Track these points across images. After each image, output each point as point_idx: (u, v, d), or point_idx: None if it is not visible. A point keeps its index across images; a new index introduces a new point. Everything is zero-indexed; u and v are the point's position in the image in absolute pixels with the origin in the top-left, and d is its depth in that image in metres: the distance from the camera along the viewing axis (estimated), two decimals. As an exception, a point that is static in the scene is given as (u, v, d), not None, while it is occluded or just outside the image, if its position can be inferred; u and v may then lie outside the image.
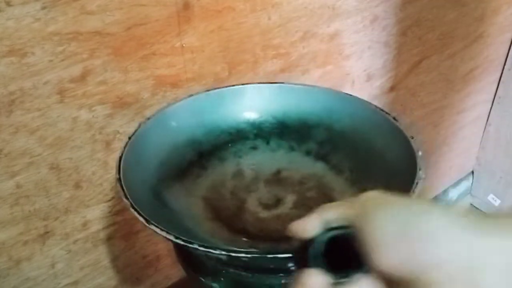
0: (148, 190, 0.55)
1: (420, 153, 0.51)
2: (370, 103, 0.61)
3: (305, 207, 0.57)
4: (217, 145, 0.65)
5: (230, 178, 0.63)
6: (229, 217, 0.58)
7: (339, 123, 0.62)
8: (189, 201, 0.59)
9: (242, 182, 0.62)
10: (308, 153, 0.64)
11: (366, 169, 0.58)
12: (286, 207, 0.57)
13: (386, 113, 0.58)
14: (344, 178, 0.60)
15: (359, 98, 0.63)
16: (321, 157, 0.63)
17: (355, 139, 0.61)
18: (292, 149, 0.65)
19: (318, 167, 0.62)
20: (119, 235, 0.73)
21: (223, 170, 0.63)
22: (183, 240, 0.42)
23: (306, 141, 0.64)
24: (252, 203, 0.59)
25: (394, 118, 0.57)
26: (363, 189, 0.54)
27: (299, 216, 0.54)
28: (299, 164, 0.63)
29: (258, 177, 0.63)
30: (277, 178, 0.62)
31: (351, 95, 0.65)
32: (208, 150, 0.64)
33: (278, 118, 0.66)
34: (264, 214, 0.57)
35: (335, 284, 0.29)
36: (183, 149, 0.62)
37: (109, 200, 0.69)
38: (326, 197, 0.57)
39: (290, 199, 0.58)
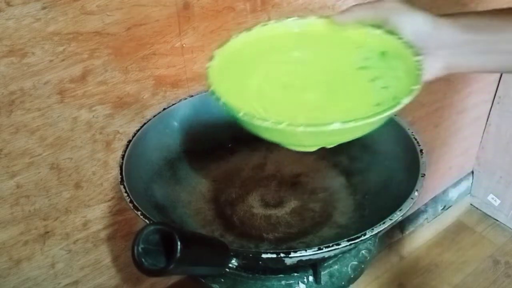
0: (164, 160, 0.58)
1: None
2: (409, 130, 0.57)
3: (299, 217, 0.57)
4: (254, 136, 0.66)
5: (249, 169, 0.63)
6: (224, 203, 0.58)
7: (377, 144, 0.60)
8: (199, 178, 0.61)
9: (258, 175, 0.63)
10: (335, 165, 0.63)
11: (378, 198, 0.56)
12: (282, 211, 0.58)
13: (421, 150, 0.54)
14: (355, 200, 0.59)
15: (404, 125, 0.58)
16: (345, 172, 0.62)
17: (384, 164, 0.58)
18: (323, 157, 0.64)
19: (337, 182, 0.61)
20: (119, 234, 0.73)
21: (247, 160, 0.64)
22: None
23: (340, 153, 0.63)
24: (254, 197, 0.59)
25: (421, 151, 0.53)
26: (361, 216, 0.55)
27: (288, 223, 0.55)
28: (321, 173, 0.63)
29: (275, 175, 0.63)
30: (292, 181, 0.62)
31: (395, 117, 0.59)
32: (243, 138, 0.63)
33: None
34: (258, 210, 0.58)
35: None
36: (220, 131, 0.63)
37: (110, 200, 0.69)
38: (324, 213, 0.57)
39: (291, 205, 0.58)
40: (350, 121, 0.36)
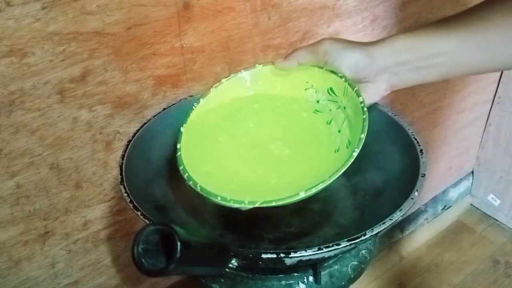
0: (164, 160, 0.58)
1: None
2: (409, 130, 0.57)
3: (299, 217, 0.57)
4: None
5: None
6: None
7: (377, 144, 0.59)
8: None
9: None
10: None
11: (378, 198, 0.56)
12: (282, 211, 0.57)
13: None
14: (355, 200, 0.58)
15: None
16: (345, 172, 0.61)
17: (384, 164, 0.58)
18: None
19: (337, 182, 0.60)
20: (119, 234, 0.74)
21: None
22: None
23: None
24: None
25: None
26: (361, 216, 0.55)
27: (288, 223, 0.55)
28: None
29: None
30: None
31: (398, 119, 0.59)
32: None
33: None
34: (258, 210, 0.57)
35: None
36: None
37: (109, 200, 0.69)
38: (324, 213, 0.57)
39: (291, 204, 0.58)
40: (312, 187, 0.41)
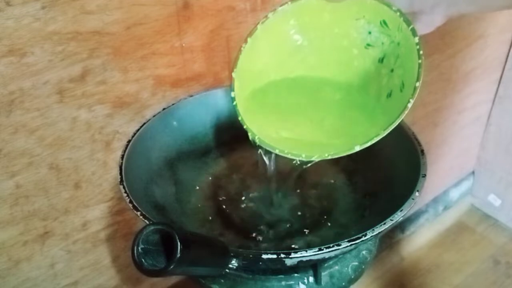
0: (163, 159, 0.58)
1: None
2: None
3: (299, 215, 0.56)
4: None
5: (249, 165, 0.63)
6: (224, 201, 0.58)
7: (378, 144, 0.58)
8: (198, 177, 0.61)
9: (257, 171, 0.62)
10: (336, 162, 0.63)
11: (379, 198, 0.56)
12: (282, 209, 0.57)
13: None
14: (355, 199, 0.58)
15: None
16: (346, 171, 0.61)
17: (385, 164, 0.57)
18: None
19: (338, 179, 0.61)
20: (119, 235, 0.73)
21: (247, 157, 0.64)
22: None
23: None
24: (254, 195, 0.59)
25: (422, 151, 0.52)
26: (362, 216, 0.55)
27: (288, 222, 0.55)
28: (322, 170, 0.62)
29: (276, 170, 0.62)
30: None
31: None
32: (242, 136, 0.65)
33: None
34: (258, 208, 0.57)
35: None
36: (220, 130, 0.65)
37: (109, 200, 0.69)
38: (325, 211, 0.57)
39: (291, 201, 0.58)
40: (368, 141, 0.42)
